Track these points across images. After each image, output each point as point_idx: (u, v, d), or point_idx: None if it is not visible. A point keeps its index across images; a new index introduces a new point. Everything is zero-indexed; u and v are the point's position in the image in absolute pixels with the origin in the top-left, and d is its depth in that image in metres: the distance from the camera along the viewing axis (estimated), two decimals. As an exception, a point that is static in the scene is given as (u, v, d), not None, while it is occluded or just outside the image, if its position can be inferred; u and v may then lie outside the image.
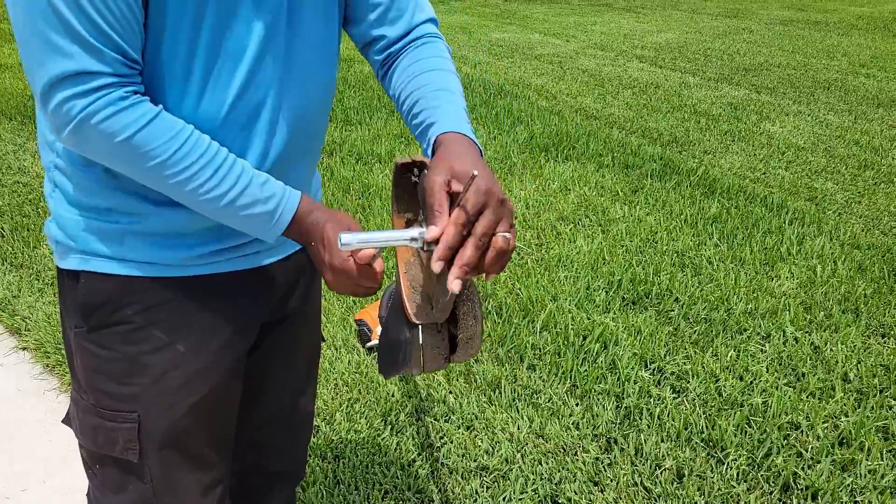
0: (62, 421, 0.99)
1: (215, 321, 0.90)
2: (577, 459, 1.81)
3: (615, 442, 1.88)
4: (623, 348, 2.23)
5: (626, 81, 5.58)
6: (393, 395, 1.99)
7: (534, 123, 4.37)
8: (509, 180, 3.50)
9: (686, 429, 1.92)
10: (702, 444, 1.87)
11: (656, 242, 2.94)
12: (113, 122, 0.69)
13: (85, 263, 0.84)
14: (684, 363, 2.19)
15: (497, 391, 2.04)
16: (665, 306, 2.47)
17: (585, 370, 2.13)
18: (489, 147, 3.93)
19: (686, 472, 1.78)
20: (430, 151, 0.78)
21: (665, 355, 2.22)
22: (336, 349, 2.19)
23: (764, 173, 3.79)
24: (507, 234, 0.67)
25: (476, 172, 0.65)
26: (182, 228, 0.83)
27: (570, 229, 3.03)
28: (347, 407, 1.94)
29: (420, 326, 0.74)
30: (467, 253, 0.64)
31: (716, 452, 1.85)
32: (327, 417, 1.90)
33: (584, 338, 2.28)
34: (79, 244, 0.84)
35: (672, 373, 2.15)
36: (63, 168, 0.83)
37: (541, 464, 1.80)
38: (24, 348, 2.19)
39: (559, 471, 1.77)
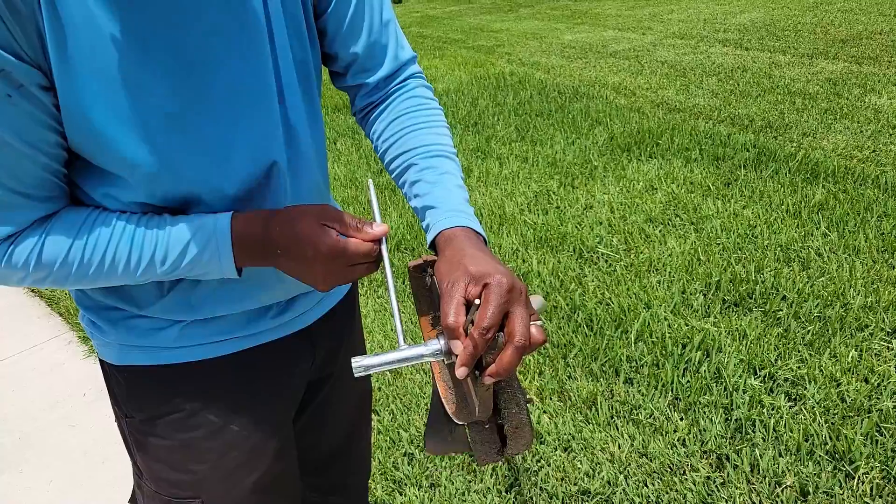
0: (128, 501, 1.00)
1: (266, 393, 0.89)
2: (687, 479, 1.70)
3: (727, 458, 1.75)
4: (728, 355, 2.08)
5: (710, 68, 5.31)
6: (486, 418, 1.95)
7: (613, 123, 4.23)
8: (591, 185, 3.39)
9: (807, 440, 1.76)
10: (826, 457, 1.71)
11: (756, 237, 2.74)
12: (12, 264, 0.66)
13: (125, 357, 0.82)
14: (799, 368, 2.01)
15: (593, 408, 1.95)
16: (772, 306, 2.29)
17: (688, 381, 2.00)
18: (567, 153, 3.84)
19: (811, 490, 1.63)
20: (430, 238, 0.75)
21: (776, 360, 2.05)
22: (426, 373, 2.18)
23: (873, 151, 3.47)
24: (539, 324, 0.63)
25: (478, 301, 0.62)
26: (194, 304, 0.80)
27: (660, 230, 2.89)
28: (440, 432, 1.92)
29: (466, 425, 0.71)
30: (507, 358, 0.60)
31: (843, 466, 1.68)
32: (420, 444, 1.89)
33: (684, 346, 2.15)
34: (114, 338, 0.82)
35: (786, 379, 1.98)
36: None
37: (646, 485, 1.70)
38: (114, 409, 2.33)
39: (667, 492, 1.67)
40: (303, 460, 1.06)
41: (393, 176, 0.84)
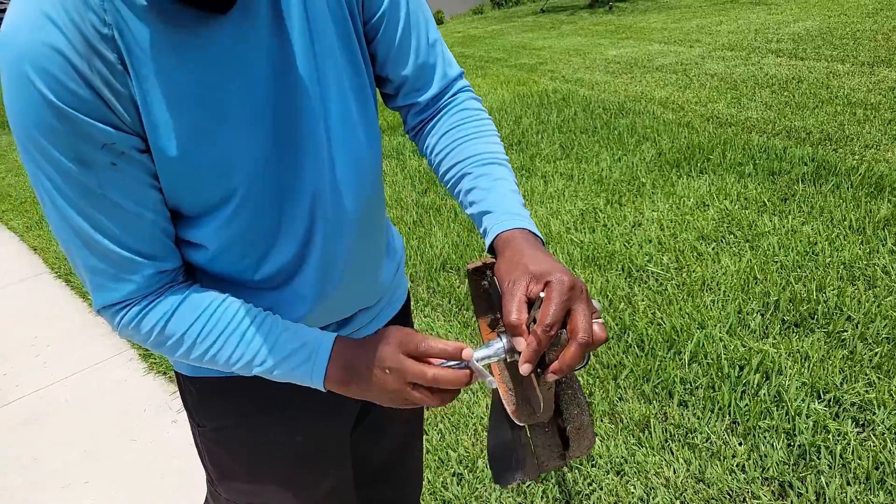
0: None
1: (328, 407, 0.92)
2: (746, 507, 1.63)
3: (790, 486, 1.67)
4: (789, 378, 2.00)
5: (763, 80, 5.18)
6: (535, 439, 1.93)
7: (661, 139, 4.16)
8: (639, 202, 3.34)
9: (877, 469, 1.67)
10: (899, 488, 1.62)
11: (817, 255, 2.64)
12: (141, 328, 0.73)
13: (197, 370, 0.87)
14: (866, 391, 1.92)
15: (646, 431, 1.90)
16: (835, 327, 2.20)
17: (746, 405, 1.93)
18: (614, 170, 3.79)
19: (882, 521, 1.54)
20: (489, 242, 0.76)
21: (841, 383, 1.97)
22: (473, 393, 2.17)
23: (942, 162, 3.31)
24: (600, 322, 0.64)
25: (542, 294, 0.63)
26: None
27: (713, 248, 2.81)
28: (490, 453, 1.91)
29: (526, 427, 0.70)
30: (570, 354, 0.61)
31: (918, 497, 1.59)
32: (469, 464, 1.88)
33: (741, 368, 2.08)
34: None
35: (852, 403, 1.89)
36: None
37: (704, 512, 1.64)
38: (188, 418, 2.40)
39: (726, 520, 1.61)
40: (356, 473, 1.08)
41: (448, 187, 0.86)
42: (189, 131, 0.65)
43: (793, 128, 4.07)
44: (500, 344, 0.67)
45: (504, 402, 0.71)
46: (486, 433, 1.99)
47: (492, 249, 0.75)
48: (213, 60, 0.65)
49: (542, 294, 0.63)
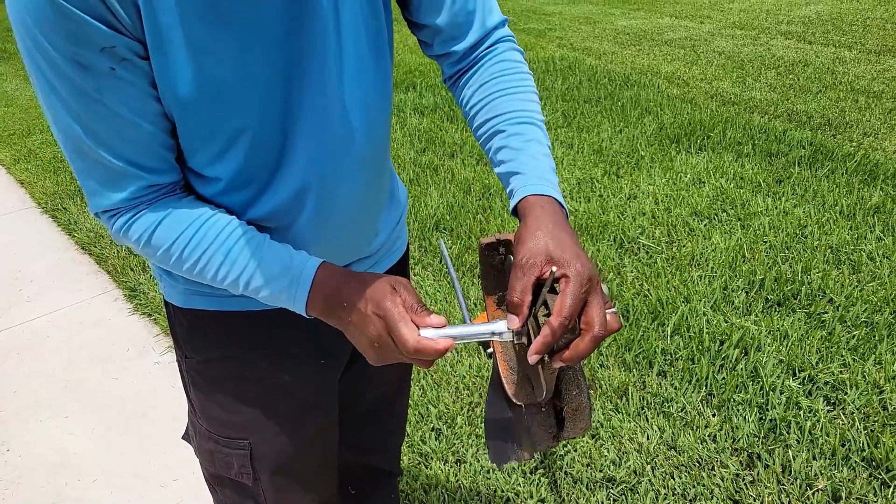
0: (182, 437, 1.05)
1: (318, 347, 0.91)
2: (715, 475, 1.67)
3: (758, 458, 1.71)
4: (767, 354, 2.03)
5: (770, 61, 5.13)
6: (514, 400, 1.96)
7: (663, 113, 4.13)
8: (636, 175, 3.33)
9: (843, 446, 1.71)
10: (862, 464, 1.66)
11: (806, 237, 2.66)
12: (129, 235, 0.72)
13: (189, 301, 0.86)
14: (840, 372, 1.95)
15: (624, 398, 1.93)
16: (817, 308, 2.22)
17: (723, 378, 1.96)
18: (614, 141, 3.77)
19: (843, 495, 1.59)
20: (513, 204, 0.73)
21: (817, 363, 2.00)
22: (457, 352, 2.19)
23: (939, 154, 3.31)
24: (613, 311, 0.63)
25: (553, 269, 0.61)
26: None
27: (705, 225, 2.82)
28: (468, 411, 1.94)
29: (523, 406, 0.70)
30: (584, 345, 0.60)
31: (879, 474, 1.63)
32: (448, 421, 1.91)
33: (722, 342, 2.11)
34: (182, 282, 0.86)
35: (826, 382, 1.92)
36: None
37: (673, 477, 1.68)
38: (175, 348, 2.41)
39: (694, 486, 1.65)
40: (343, 417, 1.09)
41: (480, 142, 0.83)
42: (192, 44, 0.63)
43: (794, 111, 4.05)
44: (500, 325, 0.64)
45: (504, 380, 0.70)
46: (466, 391, 2.01)
47: (515, 211, 0.73)
48: None
49: (556, 284, 0.61)
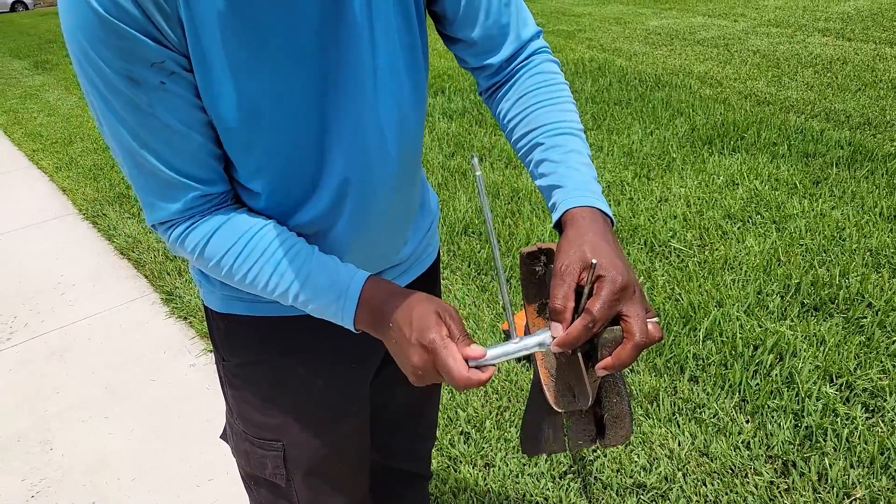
0: (220, 437, 1.08)
1: (352, 352, 0.93)
2: (749, 482, 1.64)
3: (793, 465, 1.68)
4: (802, 360, 1.99)
5: (806, 59, 5.02)
6: (543, 404, 1.95)
7: (695, 114, 4.07)
8: (667, 177, 3.29)
9: (882, 454, 1.67)
10: (904, 475, 1.61)
11: (844, 240, 2.59)
12: (185, 245, 0.74)
13: (227, 306, 0.89)
14: (880, 378, 1.90)
15: (655, 404, 1.91)
16: (855, 313, 2.17)
17: (757, 384, 1.93)
18: (644, 143, 3.73)
19: (884, 506, 1.55)
20: (556, 218, 0.73)
21: (855, 369, 1.95)
22: (486, 355, 2.19)
23: None
24: (655, 320, 0.63)
25: (595, 261, 0.61)
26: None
27: (739, 228, 2.77)
28: (497, 415, 1.94)
29: (564, 413, 0.70)
30: (626, 353, 0.61)
31: (923, 485, 1.59)
32: (477, 425, 1.91)
33: (755, 348, 2.07)
34: (220, 287, 0.88)
35: (864, 389, 1.87)
36: None
37: (705, 484, 1.66)
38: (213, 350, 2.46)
39: (726, 493, 1.62)
40: (374, 420, 1.10)
41: (519, 155, 0.84)
42: (232, 64, 0.65)
43: (832, 110, 3.95)
44: (547, 335, 0.64)
45: (545, 387, 0.70)
46: (495, 395, 2.01)
47: (559, 225, 0.73)
48: None
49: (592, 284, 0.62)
